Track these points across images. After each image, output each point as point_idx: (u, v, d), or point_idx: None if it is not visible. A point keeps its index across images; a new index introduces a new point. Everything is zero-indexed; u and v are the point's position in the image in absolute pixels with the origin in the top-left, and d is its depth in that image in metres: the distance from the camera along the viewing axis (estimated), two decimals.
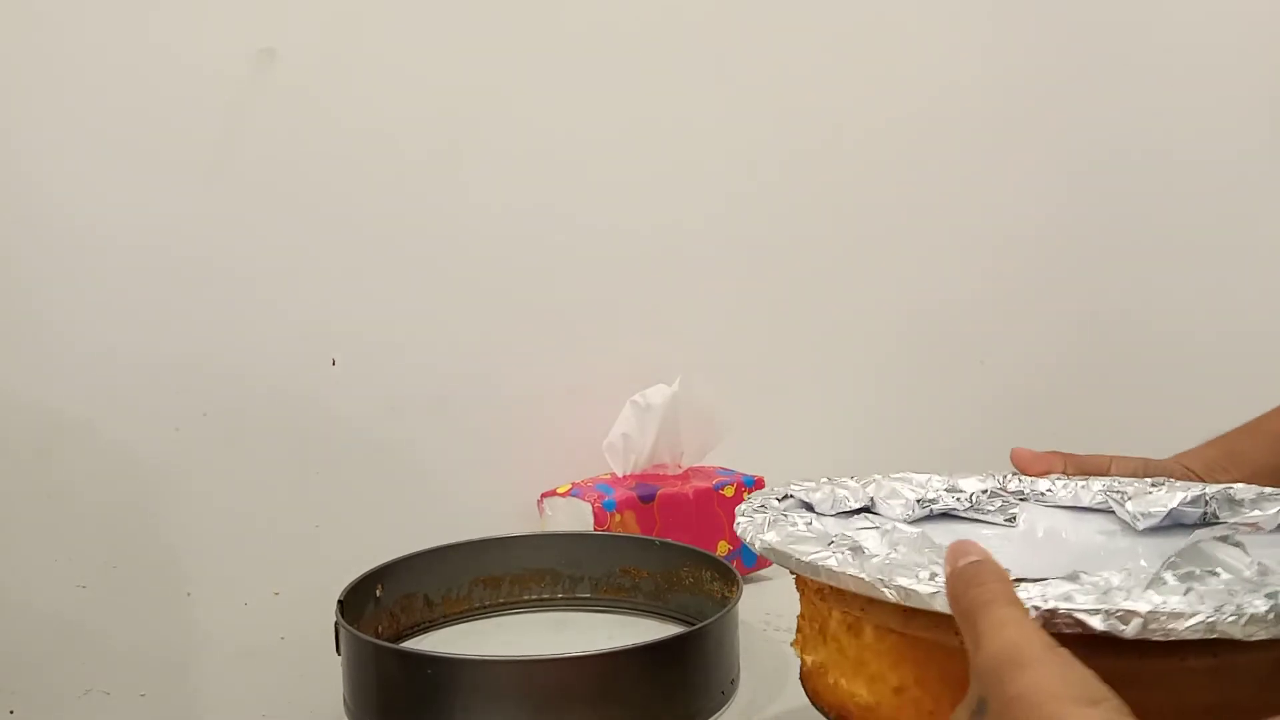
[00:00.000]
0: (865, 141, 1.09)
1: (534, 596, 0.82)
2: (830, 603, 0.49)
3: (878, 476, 0.61)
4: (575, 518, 0.87)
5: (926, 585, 0.41)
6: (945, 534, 0.54)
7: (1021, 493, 0.62)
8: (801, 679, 0.53)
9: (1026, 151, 1.15)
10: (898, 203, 1.11)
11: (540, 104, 0.95)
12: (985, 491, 0.61)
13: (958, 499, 0.61)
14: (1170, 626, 0.37)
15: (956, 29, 1.12)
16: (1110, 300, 1.20)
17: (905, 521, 0.58)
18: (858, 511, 0.59)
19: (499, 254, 0.94)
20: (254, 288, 0.86)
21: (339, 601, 0.68)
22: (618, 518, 0.85)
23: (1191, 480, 0.63)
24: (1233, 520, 0.55)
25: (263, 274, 0.86)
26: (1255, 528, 0.54)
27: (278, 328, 0.87)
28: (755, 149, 1.04)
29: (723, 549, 0.88)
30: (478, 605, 0.81)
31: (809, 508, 0.59)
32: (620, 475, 0.91)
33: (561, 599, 0.83)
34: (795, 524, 0.52)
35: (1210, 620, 0.37)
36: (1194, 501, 0.57)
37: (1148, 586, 0.39)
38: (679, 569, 0.79)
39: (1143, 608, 0.37)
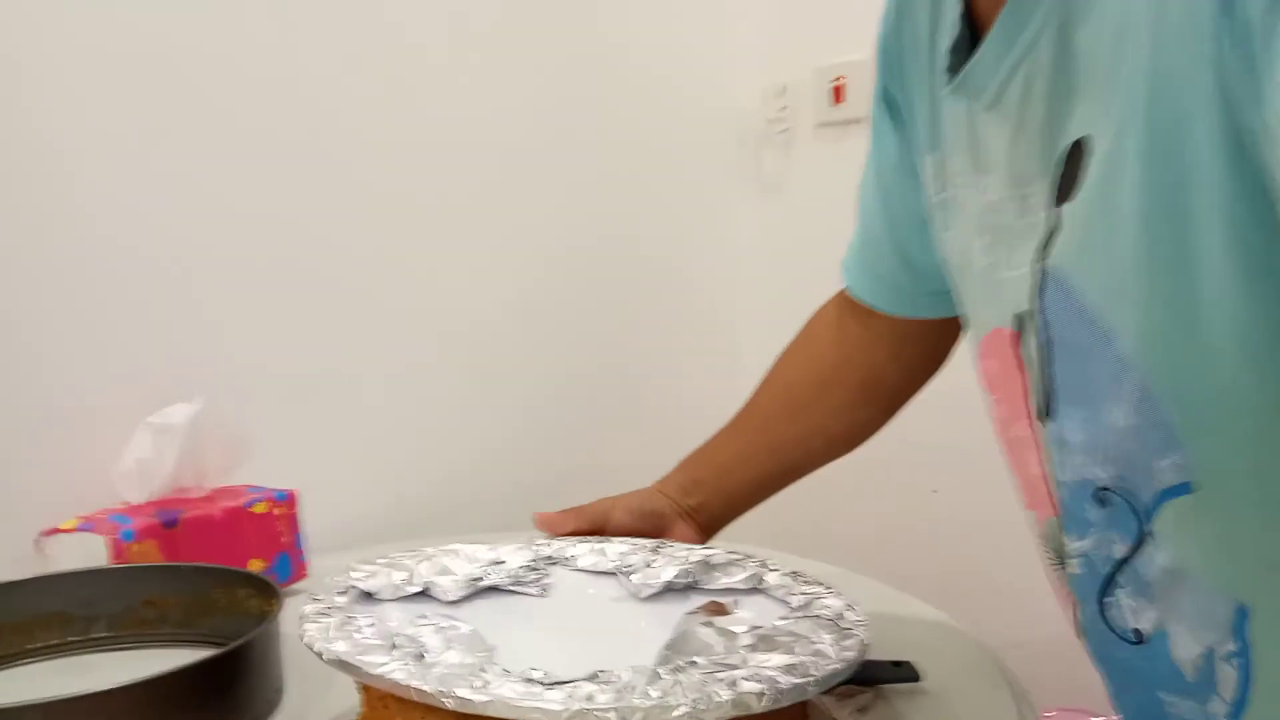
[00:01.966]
0: (384, 149, 1.12)
1: (41, 644, 0.75)
2: (393, 710, 0.53)
3: (430, 551, 0.69)
4: (86, 554, 0.80)
5: (480, 694, 0.47)
6: (492, 609, 0.65)
7: (552, 558, 0.73)
8: None
9: (517, 177, 1.26)
10: (418, 215, 1.15)
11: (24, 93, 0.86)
12: (524, 566, 0.71)
13: (501, 575, 0.69)
14: (665, 718, 0.46)
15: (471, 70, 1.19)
16: (603, 308, 1.35)
17: (458, 599, 0.66)
18: (416, 595, 0.65)
19: None
20: None
21: None
22: (137, 548, 0.80)
23: (670, 503, 0.79)
24: (710, 587, 0.69)
25: None
26: (731, 591, 0.68)
27: None
28: (266, 152, 1.02)
29: (258, 566, 0.86)
30: None
31: (370, 596, 0.64)
32: (137, 503, 0.85)
33: (75, 642, 0.76)
34: (360, 628, 0.56)
35: (689, 711, 0.47)
36: (682, 573, 0.70)
37: (649, 683, 0.49)
38: (210, 591, 0.77)
39: (645, 703, 0.47)
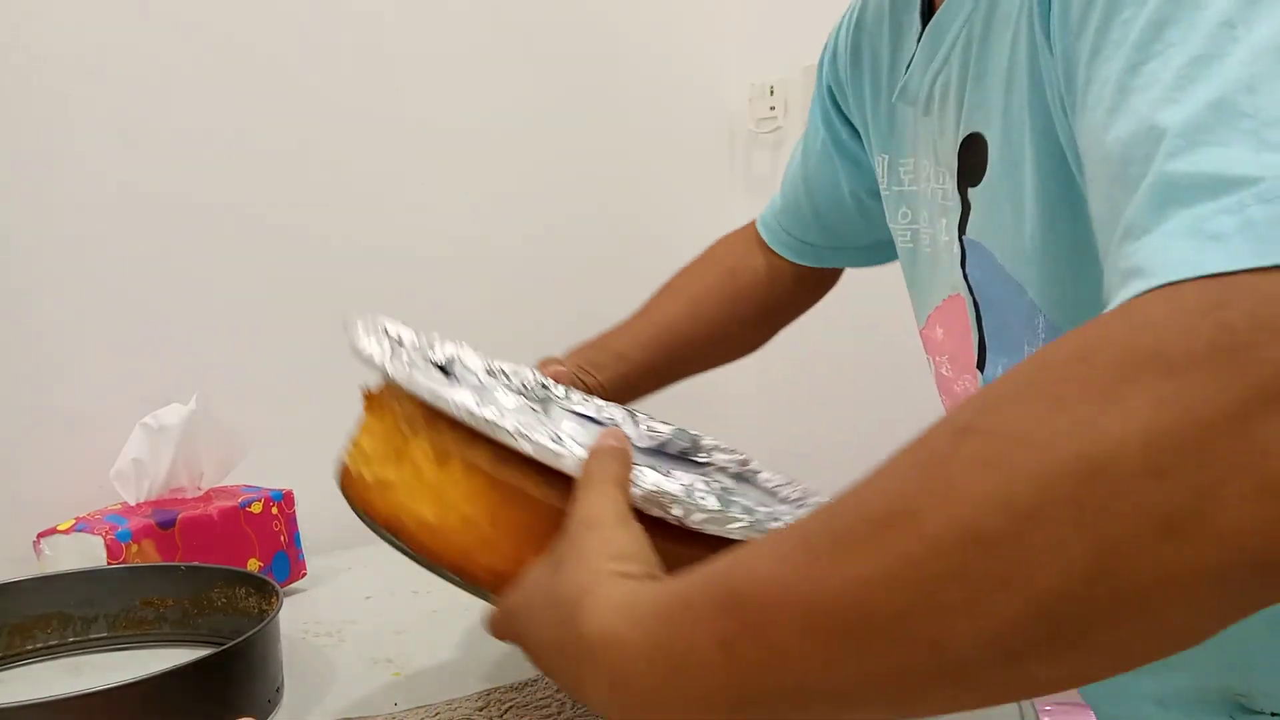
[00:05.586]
0: (374, 151, 1.12)
1: (40, 644, 0.75)
2: (421, 433, 0.51)
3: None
4: (83, 555, 0.81)
5: (558, 446, 0.47)
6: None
7: (546, 387, 0.71)
8: (346, 486, 0.55)
9: (509, 172, 1.27)
10: (410, 216, 1.16)
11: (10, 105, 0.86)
12: (529, 382, 0.70)
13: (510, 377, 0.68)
14: (726, 526, 0.47)
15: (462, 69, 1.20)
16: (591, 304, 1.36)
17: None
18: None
19: None
20: None
21: None
22: (134, 548, 0.81)
23: (572, 377, 0.80)
24: (700, 460, 0.67)
25: None
26: (722, 470, 0.67)
27: None
28: (255, 153, 1.03)
29: (255, 565, 0.87)
30: None
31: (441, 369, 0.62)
32: (134, 504, 0.86)
33: (74, 642, 0.76)
34: (431, 374, 0.54)
35: (746, 527, 0.47)
36: (680, 436, 0.68)
37: (713, 493, 0.49)
38: (209, 591, 0.77)
39: (712, 506, 0.47)
